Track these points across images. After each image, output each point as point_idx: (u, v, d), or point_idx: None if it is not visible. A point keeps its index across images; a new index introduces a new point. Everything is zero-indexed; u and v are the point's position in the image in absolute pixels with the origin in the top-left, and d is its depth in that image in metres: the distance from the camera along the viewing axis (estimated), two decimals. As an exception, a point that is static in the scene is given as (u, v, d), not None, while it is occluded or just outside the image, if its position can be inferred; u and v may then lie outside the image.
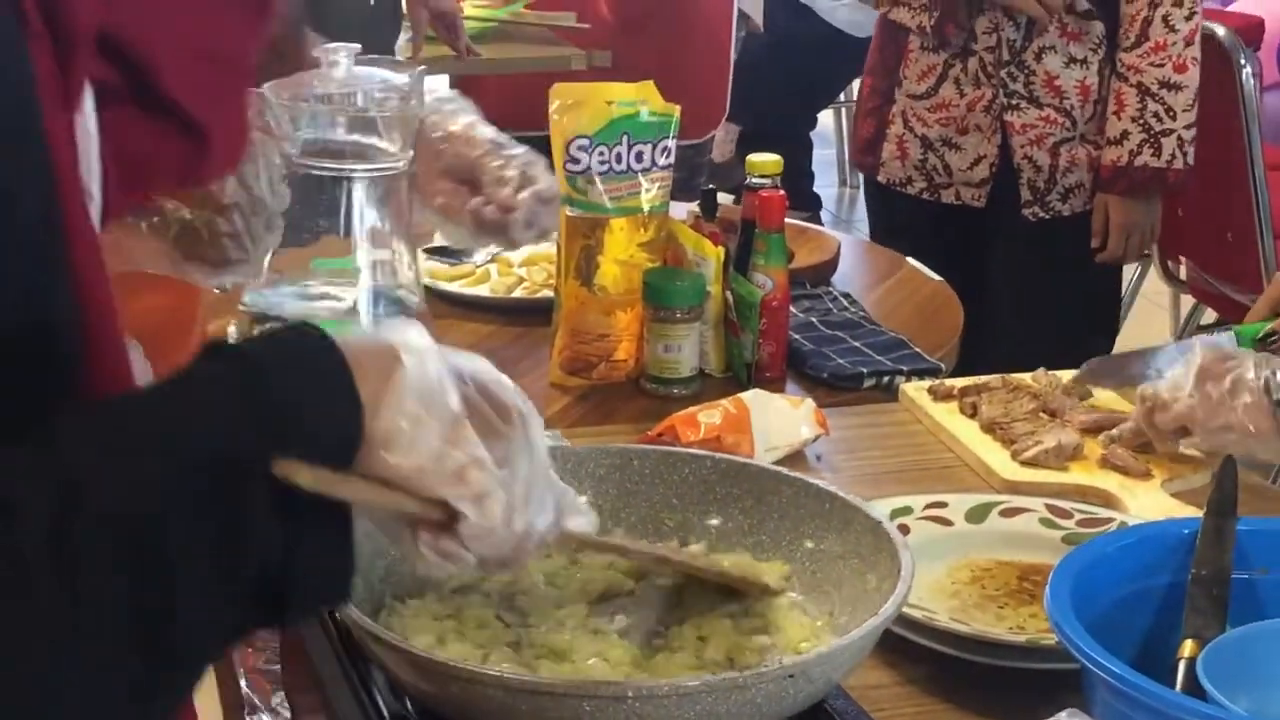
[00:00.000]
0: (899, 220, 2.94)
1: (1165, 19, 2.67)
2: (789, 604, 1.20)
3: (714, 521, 1.28)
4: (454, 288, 2.31)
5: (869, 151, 2.93)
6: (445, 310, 2.25)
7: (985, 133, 2.78)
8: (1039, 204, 2.79)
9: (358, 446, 0.86)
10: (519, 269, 2.36)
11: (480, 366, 0.96)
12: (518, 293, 2.30)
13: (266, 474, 0.81)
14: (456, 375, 0.92)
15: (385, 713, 1.11)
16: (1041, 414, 1.80)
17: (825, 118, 6.01)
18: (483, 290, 2.31)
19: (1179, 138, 2.70)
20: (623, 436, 1.74)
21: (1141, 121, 2.70)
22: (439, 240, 2.47)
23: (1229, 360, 1.63)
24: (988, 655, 1.33)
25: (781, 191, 2.00)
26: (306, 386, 0.85)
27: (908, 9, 2.80)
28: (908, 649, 1.35)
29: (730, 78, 4.16)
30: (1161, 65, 2.68)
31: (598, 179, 1.94)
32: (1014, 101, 2.74)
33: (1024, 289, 2.90)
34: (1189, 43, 2.69)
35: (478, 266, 2.37)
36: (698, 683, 1.01)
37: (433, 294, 2.26)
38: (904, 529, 1.49)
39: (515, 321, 2.23)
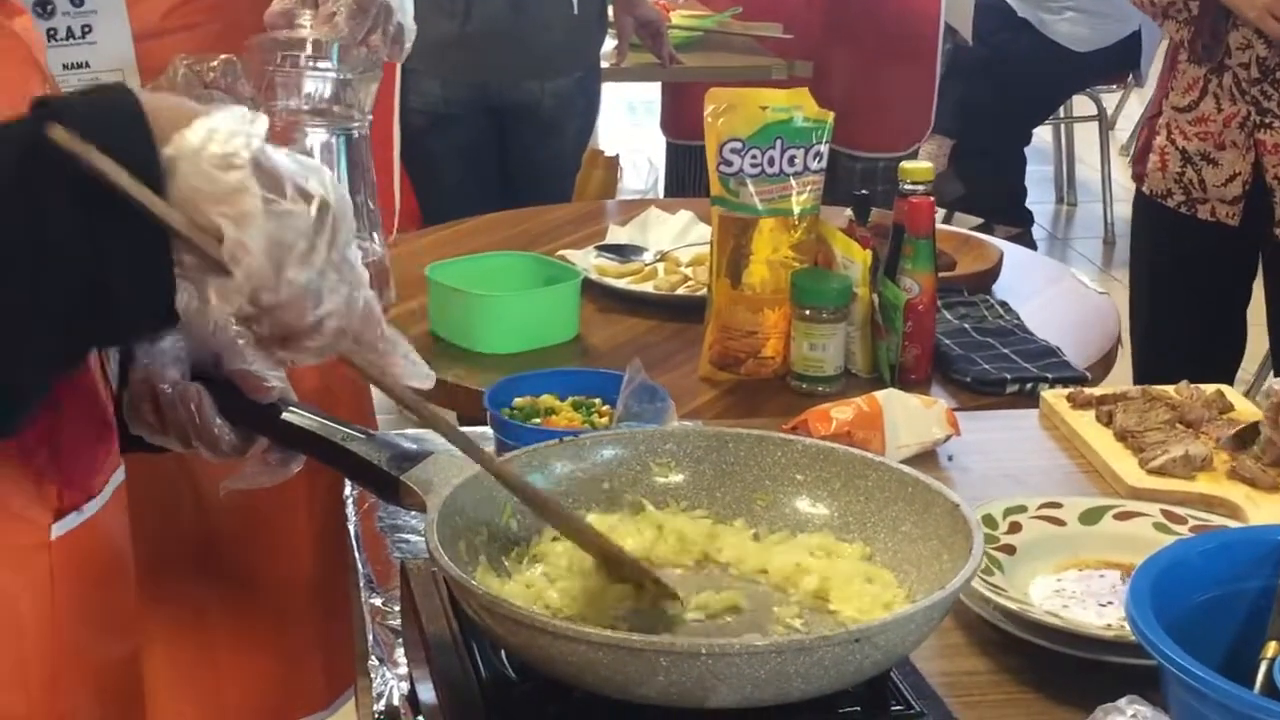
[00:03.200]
0: (1157, 233, 2.89)
1: None
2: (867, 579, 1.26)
3: (801, 503, 1.33)
4: (621, 284, 2.39)
5: (1139, 161, 2.90)
6: (610, 305, 2.33)
7: (1240, 149, 2.71)
8: None
9: (146, 160, 0.95)
10: (686, 268, 2.43)
11: (303, 160, 1.03)
12: (682, 291, 2.37)
13: (62, 166, 0.92)
14: (261, 149, 0.99)
15: (482, 668, 1.19)
16: (1178, 425, 1.81)
17: (1044, 133, 5.96)
18: (647, 287, 2.38)
19: None
20: (764, 430, 1.79)
21: None
22: (611, 238, 2.56)
23: None
24: (1075, 647, 1.36)
25: (931, 198, 2.04)
26: (97, 108, 0.96)
27: (1174, 21, 2.75)
28: (1005, 639, 1.39)
29: (935, 91, 4.17)
30: None
31: (749, 181, 2.00)
32: (1267, 120, 2.68)
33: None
34: None
35: (646, 265, 2.45)
36: (766, 643, 1.06)
37: (599, 288, 2.35)
38: (1016, 526, 1.54)
39: (674, 318, 2.30)
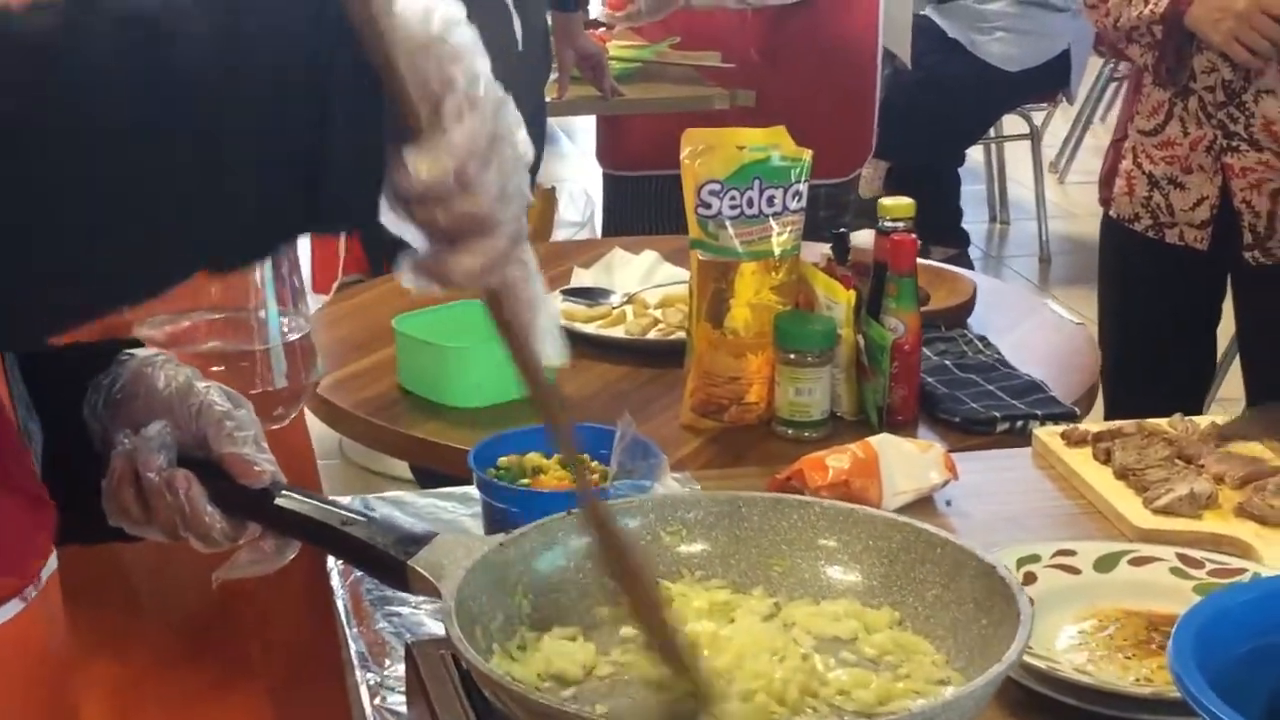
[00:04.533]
0: (1125, 257, 2.86)
1: None
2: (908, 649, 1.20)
3: (822, 567, 1.28)
4: (590, 329, 2.33)
5: (1106, 184, 2.87)
6: (581, 351, 2.28)
7: (1207, 173, 2.68)
8: (1260, 249, 2.68)
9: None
10: (654, 310, 2.38)
11: None
12: (652, 334, 2.32)
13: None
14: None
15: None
16: (1176, 460, 1.78)
17: (976, 153, 5.98)
18: (618, 332, 2.33)
19: None
20: (752, 479, 1.75)
21: None
22: (576, 281, 2.50)
23: None
24: (1111, 707, 1.31)
25: (913, 235, 2.00)
26: None
27: (1139, 45, 2.72)
28: (1031, 699, 1.34)
29: (876, 115, 4.16)
30: None
31: (729, 223, 1.95)
32: (1234, 143, 2.64)
33: (1251, 336, 2.82)
34: None
35: (614, 308, 2.40)
36: None
37: (569, 334, 2.27)
38: (1030, 577, 1.49)
39: (649, 363, 2.25)
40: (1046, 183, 6.01)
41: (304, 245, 2.95)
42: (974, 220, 5.92)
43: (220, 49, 0.89)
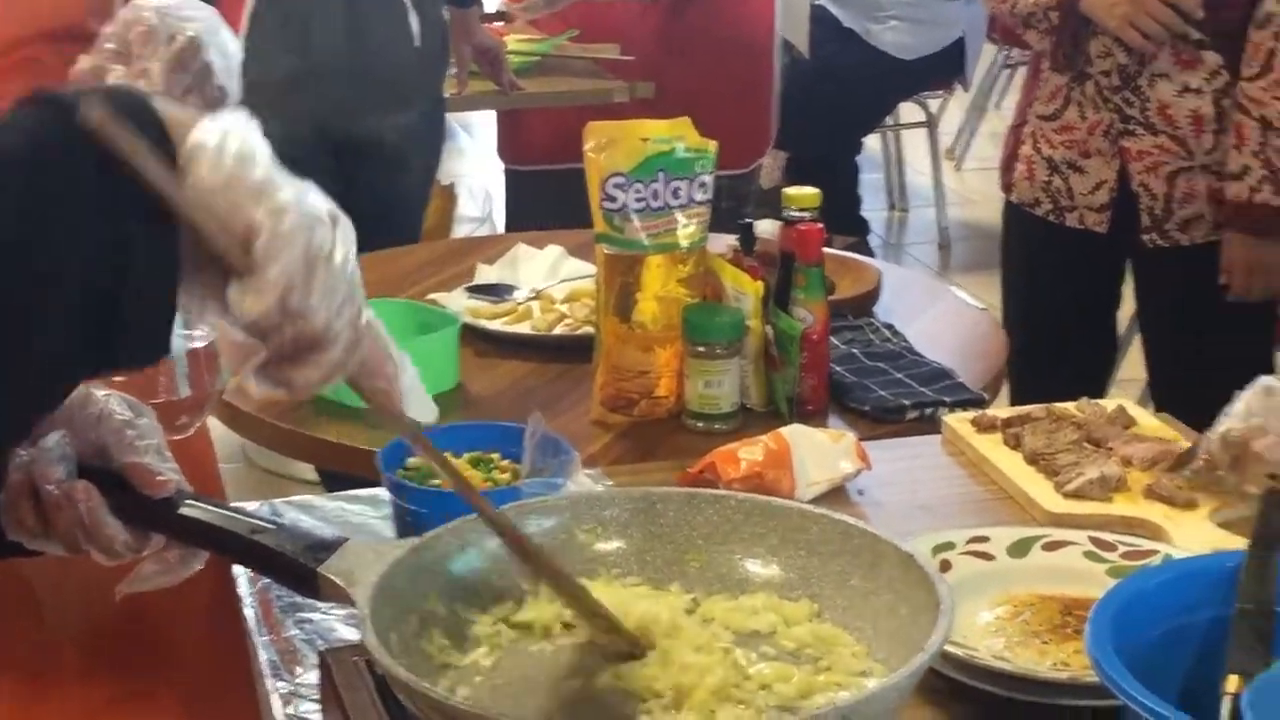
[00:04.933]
0: (1026, 242, 2.88)
1: None
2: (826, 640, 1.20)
3: (739, 562, 1.27)
4: (496, 326, 2.31)
5: (1007, 170, 2.88)
6: (487, 348, 2.26)
7: (1105, 157, 2.71)
8: (1157, 231, 2.72)
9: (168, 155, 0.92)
10: (561, 305, 2.37)
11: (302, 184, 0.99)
12: (559, 329, 2.30)
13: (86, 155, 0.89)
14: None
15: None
16: (1085, 444, 1.79)
17: (873, 141, 6.01)
18: (524, 328, 2.31)
19: None
20: (664, 473, 1.74)
21: (1262, 156, 2.59)
22: (480, 278, 2.48)
23: None
24: (1029, 693, 1.31)
25: (820, 225, 2.00)
26: (116, 101, 0.92)
27: (1036, 31, 2.73)
28: (949, 687, 1.34)
29: (775, 106, 4.17)
30: None
31: (634, 216, 1.94)
32: (1130, 127, 2.67)
33: (1151, 317, 2.84)
34: None
35: (519, 304, 2.38)
36: None
37: (475, 332, 2.27)
38: (946, 565, 1.49)
39: (557, 359, 2.23)
40: (944, 170, 6.06)
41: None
42: (873, 208, 5.95)
43: (19, 215, 0.89)
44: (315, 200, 0.97)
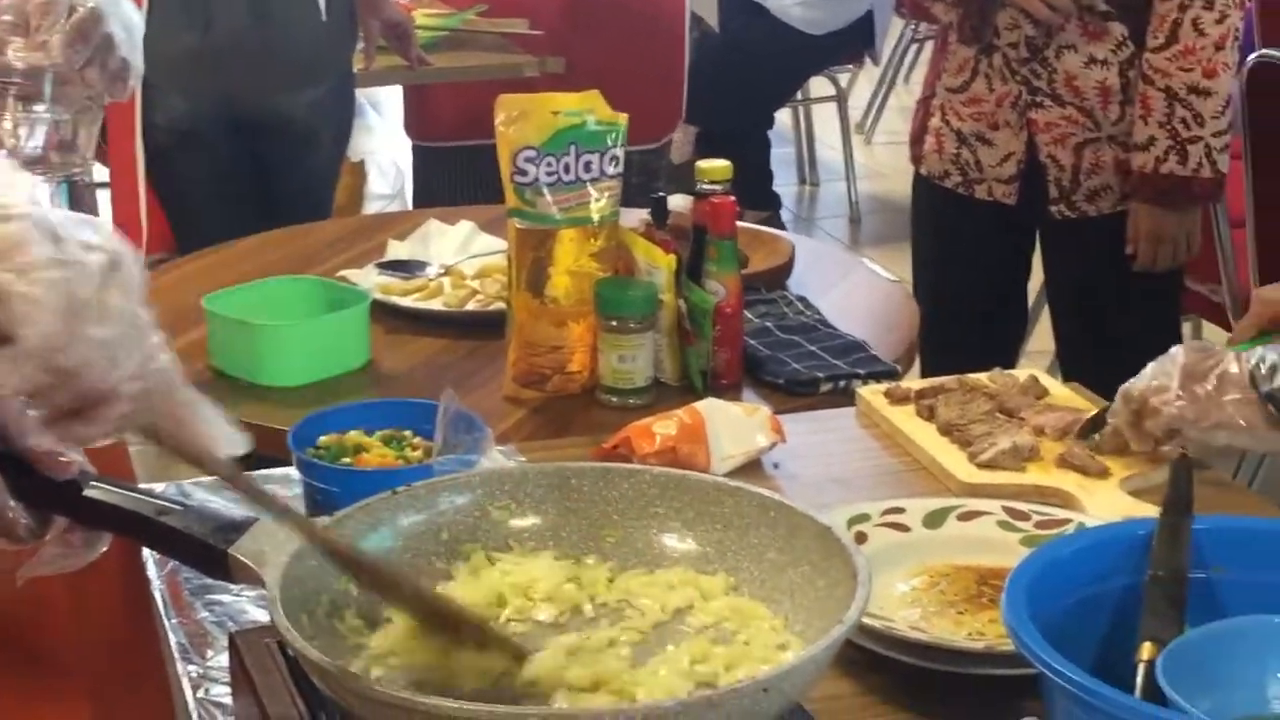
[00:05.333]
0: (936, 214, 2.89)
1: (1195, 22, 2.57)
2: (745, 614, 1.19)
3: (655, 536, 1.26)
4: (407, 302, 2.29)
5: (916, 143, 2.88)
6: (399, 325, 2.24)
7: (1013, 129, 2.72)
8: (1065, 202, 2.73)
9: None
10: (472, 281, 2.35)
11: (81, 216, 0.94)
12: (471, 306, 2.29)
13: None
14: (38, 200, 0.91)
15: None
16: (998, 414, 1.79)
17: (783, 116, 6.01)
18: (436, 304, 2.29)
19: (1206, 145, 2.61)
20: (578, 449, 1.72)
21: (1168, 127, 2.61)
22: (391, 254, 2.46)
23: (1211, 358, 1.61)
24: (946, 663, 1.32)
25: (732, 197, 1.99)
26: None
27: (943, 3, 2.73)
28: (866, 658, 1.34)
29: (685, 80, 4.16)
30: (1190, 70, 2.58)
31: (546, 190, 1.92)
32: (1038, 99, 2.68)
33: (1059, 288, 2.86)
34: (1220, 47, 2.59)
35: (430, 280, 2.35)
36: (673, 703, 0.99)
37: (386, 309, 2.25)
38: (861, 537, 1.49)
39: (469, 335, 2.21)
40: (854, 144, 6.08)
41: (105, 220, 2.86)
42: (784, 183, 5.96)
43: None
44: (85, 245, 0.90)
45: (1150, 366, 1.66)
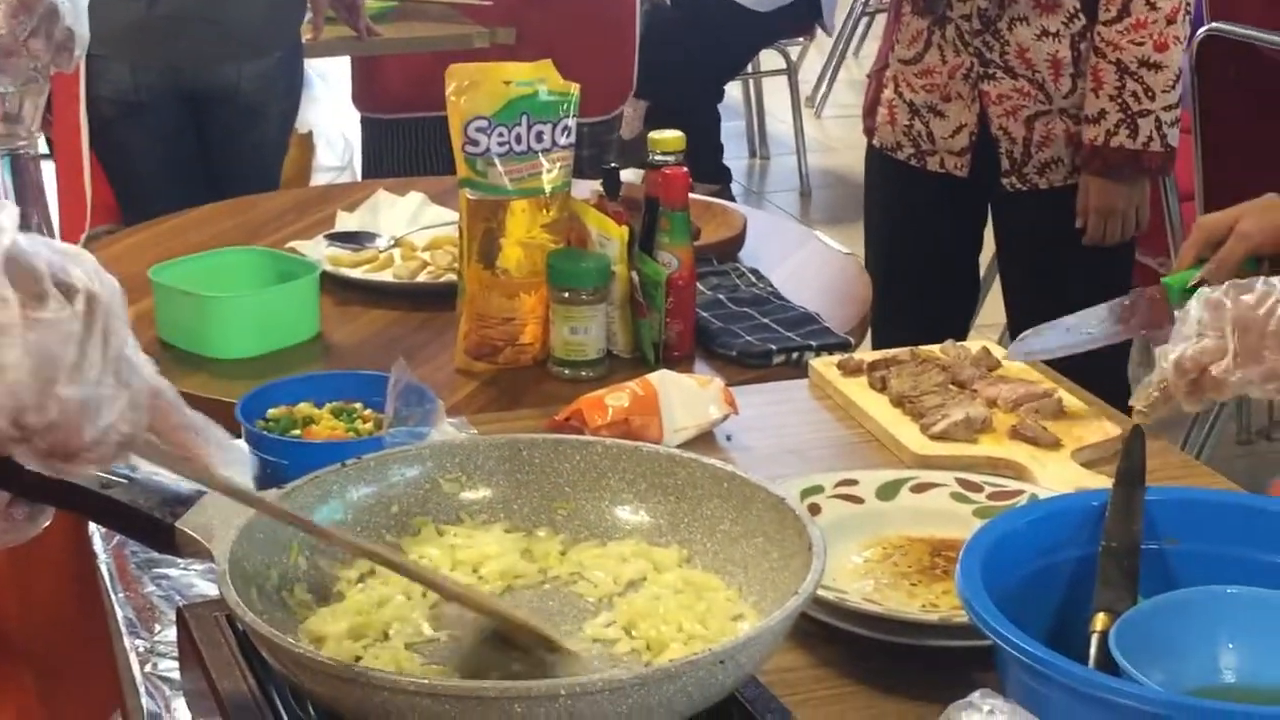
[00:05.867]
0: (888, 186, 2.87)
1: None
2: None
3: (607, 508, 1.25)
4: (357, 274, 2.27)
5: (869, 114, 2.87)
6: (349, 297, 2.22)
7: (965, 100, 2.71)
8: (1016, 175, 2.73)
9: None
10: (423, 253, 2.33)
11: (61, 248, 0.90)
12: (422, 277, 2.27)
13: None
14: (14, 242, 0.87)
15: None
16: (951, 386, 1.79)
17: (734, 89, 6.00)
18: (386, 276, 2.27)
19: (1157, 119, 2.61)
20: (530, 421, 1.71)
21: (1119, 100, 2.61)
22: (340, 225, 2.43)
23: (1256, 297, 1.47)
24: (900, 634, 1.31)
25: (685, 169, 1.98)
26: None
27: None
28: (820, 630, 1.33)
29: (636, 52, 4.13)
30: (1141, 44, 2.58)
31: (497, 160, 1.91)
32: (990, 71, 2.68)
33: (1010, 260, 2.85)
34: (1171, 21, 2.59)
35: (381, 252, 2.33)
36: (630, 676, 0.97)
37: (335, 280, 2.23)
38: (815, 509, 1.48)
39: (420, 307, 2.20)
40: (804, 118, 6.07)
41: (51, 195, 2.83)
42: (734, 156, 5.95)
43: None
44: (65, 288, 0.87)
45: (1191, 318, 1.51)
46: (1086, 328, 1.79)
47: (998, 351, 1.88)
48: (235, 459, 1.05)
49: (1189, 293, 1.66)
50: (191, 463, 1.01)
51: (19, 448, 0.89)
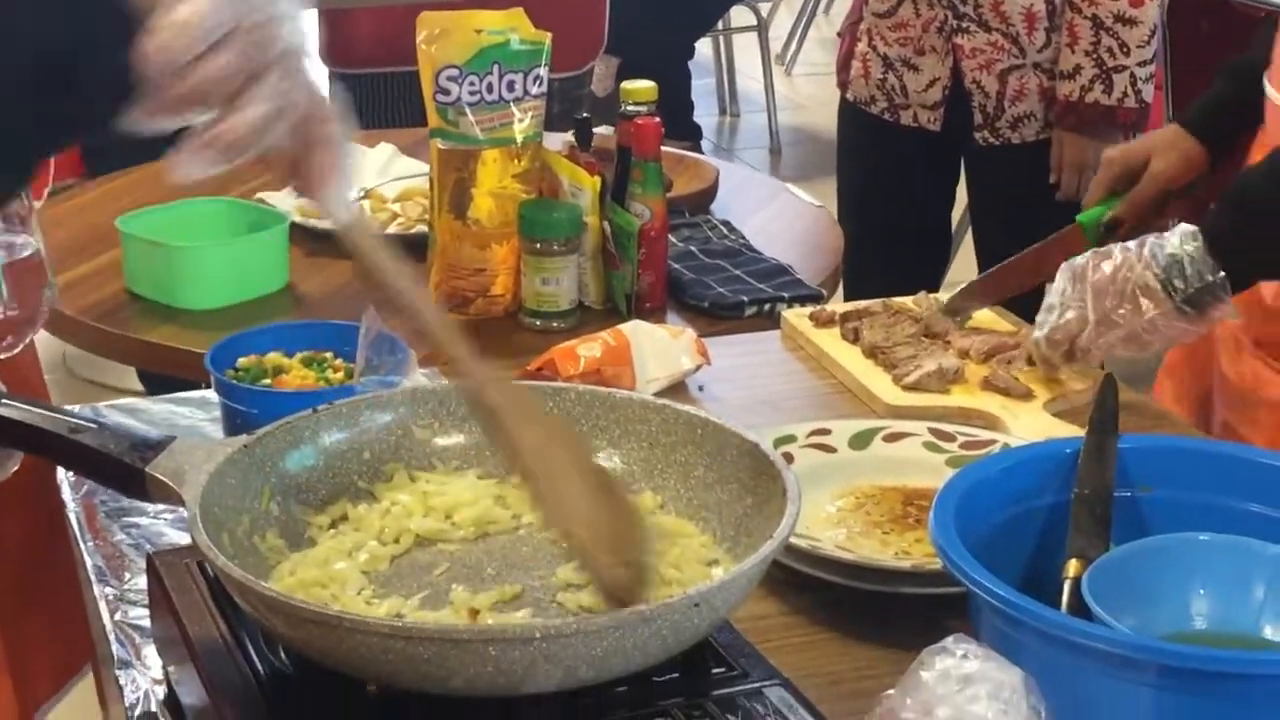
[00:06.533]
0: (862, 140, 2.87)
1: None
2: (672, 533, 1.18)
3: None
4: (326, 225, 2.24)
5: (843, 68, 2.86)
6: (318, 249, 2.20)
7: (939, 54, 2.71)
8: (989, 129, 2.72)
9: None
10: (393, 204, 2.31)
11: None
12: (392, 229, 2.25)
13: None
14: None
15: (260, 667, 1.07)
16: (923, 338, 1.79)
17: (704, 46, 5.98)
18: (356, 227, 2.25)
19: (1132, 75, 2.61)
20: (501, 372, 1.70)
21: (1094, 56, 2.60)
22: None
23: (1111, 264, 1.61)
24: (873, 582, 1.31)
25: (657, 119, 1.97)
26: None
27: None
28: (792, 578, 1.33)
29: (607, 7, 4.11)
30: None
31: (468, 110, 1.89)
32: (964, 24, 2.67)
33: (982, 215, 2.85)
34: None
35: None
36: (604, 619, 0.97)
37: (305, 232, 2.21)
38: (788, 458, 1.47)
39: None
40: (775, 75, 6.05)
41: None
42: (704, 114, 5.94)
43: None
44: None
45: (1055, 294, 1.66)
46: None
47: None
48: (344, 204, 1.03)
49: (1109, 230, 1.80)
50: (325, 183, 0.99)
51: (188, 80, 0.89)
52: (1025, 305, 1.82)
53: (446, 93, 1.89)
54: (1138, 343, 1.61)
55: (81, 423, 1.13)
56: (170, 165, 0.92)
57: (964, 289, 1.87)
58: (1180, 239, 1.59)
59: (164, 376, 2.18)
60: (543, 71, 1.94)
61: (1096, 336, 1.62)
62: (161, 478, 1.09)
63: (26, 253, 1.55)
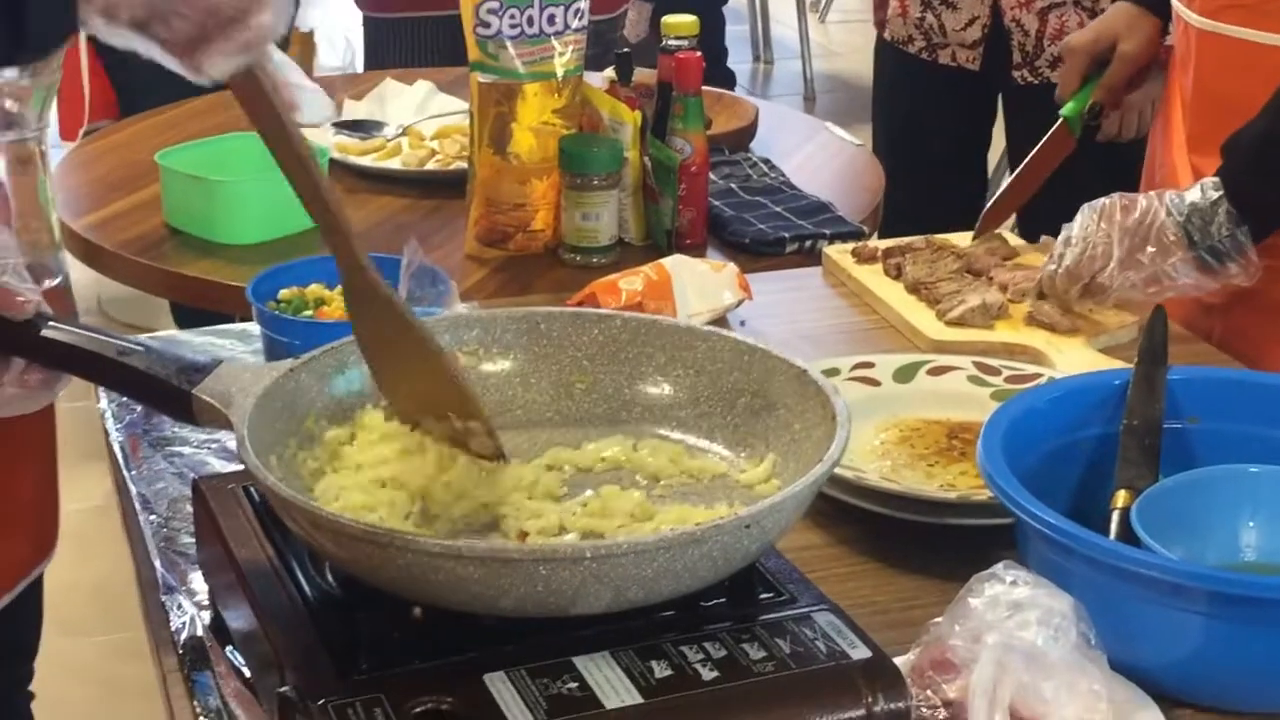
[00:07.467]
0: (899, 79, 2.85)
1: None
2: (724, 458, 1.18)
3: (625, 382, 1.24)
4: (366, 162, 2.25)
5: (880, 7, 2.83)
6: (358, 185, 2.20)
7: None
8: (1028, 67, 2.69)
9: None
10: (431, 141, 2.31)
11: None
12: (430, 165, 2.25)
13: None
14: None
15: (308, 591, 1.07)
16: (966, 274, 1.78)
17: (738, -9, 5.95)
18: (394, 164, 2.25)
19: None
20: (542, 306, 1.70)
21: None
22: (348, 114, 2.41)
23: (1139, 213, 1.62)
24: (919, 513, 1.31)
25: (699, 53, 1.95)
26: None
27: None
28: (837, 510, 1.33)
29: (640, -50, 4.08)
30: None
31: (509, 43, 1.88)
32: None
33: (1019, 154, 2.82)
34: None
35: (388, 140, 2.31)
36: (654, 539, 0.96)
37: (344, 168, 2.21)
38: (832, 390, 1.47)
39: (429, 194, 2.18)
40: (809, 22, 6.01)
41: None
42: (738, 60, 5.90)
43: None
44: None
45: (1076, 228, 1.66)
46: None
47: (1013, 239, 1.87)
48: (318, 105, 1.06)
49: (1093, 116, 1.97)
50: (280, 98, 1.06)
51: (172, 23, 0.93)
52: None
53: (487, 25, 1.87)
54: (1157, 286, 1.61)
55: (129, 345, 1.12)
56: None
57: (983, 214, 1.90)
58: (1202, 190, 1.59)
59: (200, 316, 2.18)
60: (583, 5, 1.92)
61: (1118, 273, 1.62)
62: (209, 399, 1.09)
63: (56, 281, 1.54)
